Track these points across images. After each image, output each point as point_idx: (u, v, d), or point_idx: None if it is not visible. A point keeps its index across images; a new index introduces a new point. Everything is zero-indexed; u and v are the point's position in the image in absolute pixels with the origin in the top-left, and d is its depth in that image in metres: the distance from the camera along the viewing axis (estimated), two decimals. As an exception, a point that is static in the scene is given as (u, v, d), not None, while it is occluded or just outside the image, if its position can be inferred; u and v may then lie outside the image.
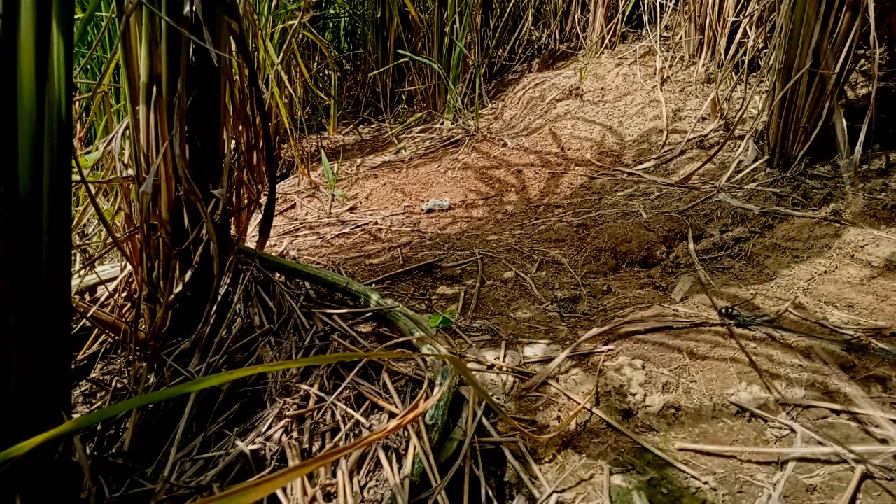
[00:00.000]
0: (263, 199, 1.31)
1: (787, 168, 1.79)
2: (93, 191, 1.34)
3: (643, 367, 1.00)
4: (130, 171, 1.14)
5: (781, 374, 0.96)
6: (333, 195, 2.38)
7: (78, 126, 1.44)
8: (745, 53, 2.29)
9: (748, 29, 2.28)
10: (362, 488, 0.83)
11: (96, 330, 1.29)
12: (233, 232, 1.34)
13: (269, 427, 0.94)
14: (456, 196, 2.30)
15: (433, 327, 1.17)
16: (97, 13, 2.02)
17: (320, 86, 3.81)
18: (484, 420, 0.90)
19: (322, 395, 0.98)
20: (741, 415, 0.90)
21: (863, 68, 2.06)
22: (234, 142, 1.26)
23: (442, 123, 3.11)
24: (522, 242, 1.73)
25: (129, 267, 1.24)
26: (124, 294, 1.28)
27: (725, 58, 2.38)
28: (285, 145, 3.01)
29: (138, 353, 1.13)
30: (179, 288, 1.11)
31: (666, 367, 1.00)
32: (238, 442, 0.92)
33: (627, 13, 3.12)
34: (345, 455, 0.85)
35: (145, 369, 1.10)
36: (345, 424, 0.93)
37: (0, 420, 0.68)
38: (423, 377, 0.98)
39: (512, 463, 0.84)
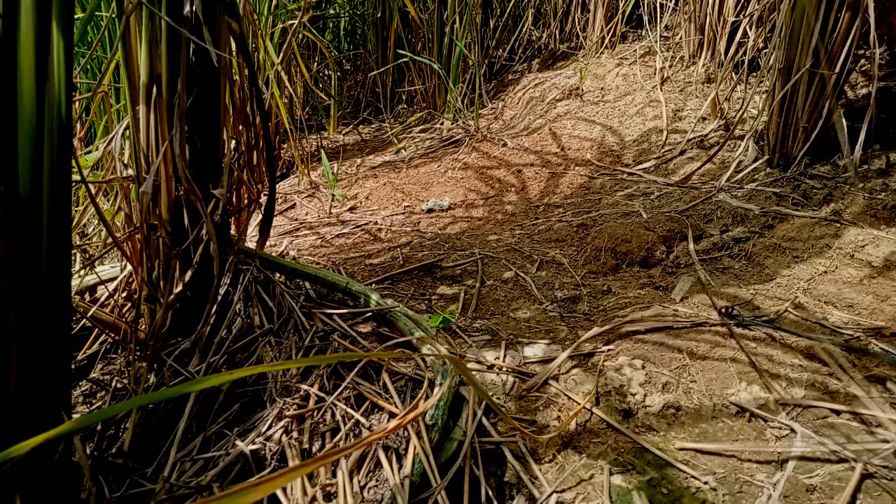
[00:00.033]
0: (263, 199, 1.31)
1: (787, 168, 1.79)
2: (93, 191, 1.34)
3: (643, 367, 1.00)
4: (130, 171, 1.14)
5: (781, 374, 0.96)
6: (333, 195, 2.38)
7: (78, 126, 1.44)
8: (745, 53, 2.29)
9: (748, 29, 2.28)
10: (362, 488, 0.83)
11: (96, 330, 1.29)
12: (233, 232, 1.34)
13: (269, 427, 0.94)
14: (456, 196, 2.30)
15: (433, 327, 1.17)
16: (97, 13, 2.02)
17: (320, 86, 3.81)
18: (484, 420, 0.90)
19: (322, 395, 0.98)
20: (741, 415, 0.90)
21: (863, 68, 2.06)
22: (234, 142, 1.26)
23: (442, 123, 3.11)
24: (522, 242, 1.73)
25: (129, 267, 1.24)
26: (124, 294, 1.28)
27: (725, 58, 2.38)
28: (285, 145, 3.01)
29: (138, 353, 1.13)
30: (179, 288, 1.11)
31: (666, 367, 1.00)
32: (238, 442, 0.92)
33: (627, 13, 3.12)
34: (345, 455, 0.85)
35: (145, 369, 1.10)
36: (345, 424, 0.93)
37: (0, 420, 0.68)
38: (423, 377, 0.98)
39: (512, 463, 0.84)
